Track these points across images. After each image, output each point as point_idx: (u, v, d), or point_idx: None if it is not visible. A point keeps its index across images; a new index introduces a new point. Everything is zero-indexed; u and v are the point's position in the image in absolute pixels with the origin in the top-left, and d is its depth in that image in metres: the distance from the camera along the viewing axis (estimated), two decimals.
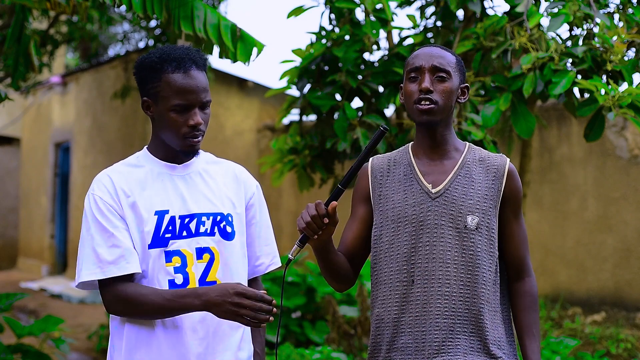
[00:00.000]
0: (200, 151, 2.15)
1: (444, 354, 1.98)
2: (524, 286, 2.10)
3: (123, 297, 1.93)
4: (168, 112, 1.97)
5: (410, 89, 2.05)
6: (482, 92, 3.89)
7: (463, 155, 2.10)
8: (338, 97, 4.14)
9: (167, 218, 2.00)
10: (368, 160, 2.18)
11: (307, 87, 4.29)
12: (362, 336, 5.41)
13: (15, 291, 8.61)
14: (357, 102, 4.23)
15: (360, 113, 4.14)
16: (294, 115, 4.72)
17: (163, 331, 1.97)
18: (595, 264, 7.07)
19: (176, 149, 2.02)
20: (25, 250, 13.33)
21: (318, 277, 6.18)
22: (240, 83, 10.69)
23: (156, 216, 1.99)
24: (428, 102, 2.01)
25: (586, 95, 3.72)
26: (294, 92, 4.48)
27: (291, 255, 1.95)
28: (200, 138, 2.01)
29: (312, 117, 4.48)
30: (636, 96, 3.35)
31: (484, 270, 2.01)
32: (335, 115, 4.13)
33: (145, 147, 2.12)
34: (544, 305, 7.11)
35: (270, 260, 2.22)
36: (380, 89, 4.13)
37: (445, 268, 2.00)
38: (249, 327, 2.08)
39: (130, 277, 1.97)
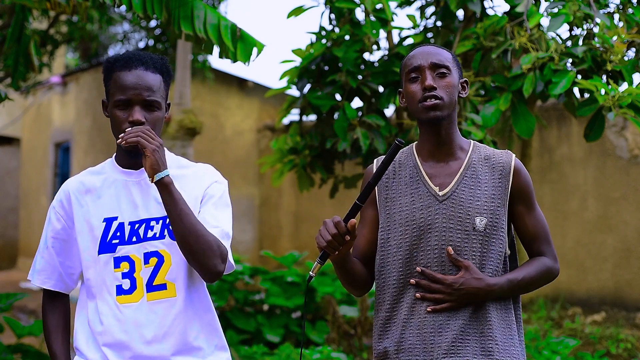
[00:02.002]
0: (171, 155, 2.15)
1: (452, 355, 1.97)
2: (539, 257, 2.09)
3: (42, 312, 2.15)
4: (113, 109, 2.03)
5: (413, 90, 2.04)
6: (482, 92, 3.89)
7: (468, 155, 2.08)
8: (338, 97, 4.14)
9: (115, 225, 2.04)
10: (373, 163, 2.18)
11: (307, 87, 4.29)
12: (362, 336, 5.41)
13: (15, 291, 8.60)
14: (357, 102, 4.23)
15: (360, 113, 4.14)
16: (294, 115, 4.72)
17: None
18: (595, 264, 7.07)
19: (122, 148, 2.05)
20: (25, 250, 13.33)
21: (318, 277, 6.18)
22: (240, 83, 10.70)
23: (104, 223, 2.04)
24: (433, 99, 2.00)
25: (586, 95, 3.72)
26: (294, 92, 4.48)
27: (312, 272, 1.95)
28: None
29: (312, 117, 4.48)
30: (636, 96, 3.35)
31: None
32: (335, 115, 4.13)
33: (114, 154, 2.17)
34: (544, 305, 7.11)
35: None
36: (380, 89, 4.13)
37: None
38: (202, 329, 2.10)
39: (60, 295, 2.14)
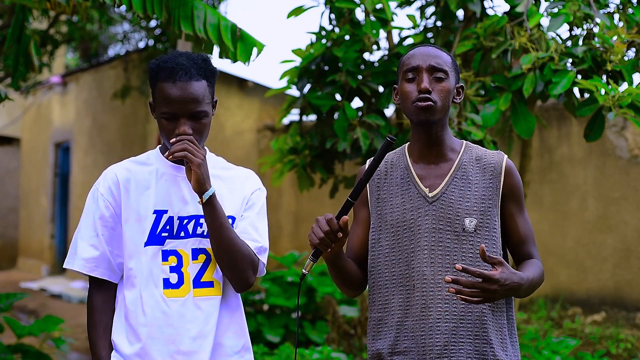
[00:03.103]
0: (212, 155, 2.18)
1: (446, 358, 1.97)
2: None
3: (88, 303, 2.10)
4: (160, 118, 2.03)
5: (408, 89, 2.03)
6: (482, 92, 3.89)
7: (459, 156, 2.08)
8: (338, 97, 4.14)
9: (165, 218, 2.05)
10: (368, 160, 2.18)
11: (307, 87, 4.29)
12: (362, 336, 5.41)
13: (15, 291, 8.61)
14: (357, 102, 4.23)
15: (360, 113, 4.14)
16: (294, 115, 4.72)
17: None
18: (595, 264, 7.07)
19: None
20: (25, 250, 13.33)
21: (318, 277, 6.19)
22: (240, 83, 10.69)
23: (154, 215, 2.04)
24: (428, 101, 2.00)
25: (586, 95, 3.72)
26: (294, 92, 4.48)
27: (305, 270, 1.95)
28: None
29: (312, 117, 4.48)
30: (636, 96, 3.35)
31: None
32: (335, 115, 4.13)
33: (158, 146, 2.17)
34: (544, 305, 7.11)
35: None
36: (380, 89, 4.13)
37: (444, 272, 1.98)
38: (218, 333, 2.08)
39: (109, 285, 2.09)
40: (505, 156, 2.09)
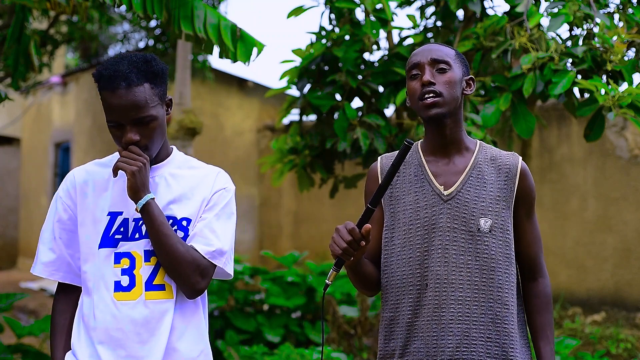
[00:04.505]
0: (180, 155, 2.14)
1: None
2: (537, 287, 2.07)
3: (53, 305, 2.11)
4: (108, 125, 1.98)
5: (413, 86, 2.02)
6: (482, 92, 3.89)
7: (474, 155, 2.05)
8: (338, 97, 4.14)
9: (119, 220, 2.01)
10: (377, 160, 2.16)
11: (307, 87, 4.29)
12: (362, 336, 5.41)
13: (15, 291, 8.61)
14: (357, 102, 4.23)
15: (360, 113, 4.14)
16: (294, 115, 4.73)
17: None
18: (595, 264, 7.07)
19: None
20: (25, 250, 13.33)
21: (318, 277, 6.18)
22: (240, 83, 10.69)
23: (108, 217, 2.02)
24: (432, 95, 1.98)
25: (586, 95, 3.72)
26: (294, 92, 4.48)
27: (328, 280, 1.92)
28: (148, 152, 1.98)
29: (312, 117, 4.48)
30: (636, 96, 3.35)
31: (500, 273, 1.97)
32: (335, 115, 4.13)
33: None
34: None
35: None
36: (380, 89, 4.13)
37: (458, 272, 1.96)
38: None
39: (73, 288, 2.09)
40: (520, 158, 2.08)
